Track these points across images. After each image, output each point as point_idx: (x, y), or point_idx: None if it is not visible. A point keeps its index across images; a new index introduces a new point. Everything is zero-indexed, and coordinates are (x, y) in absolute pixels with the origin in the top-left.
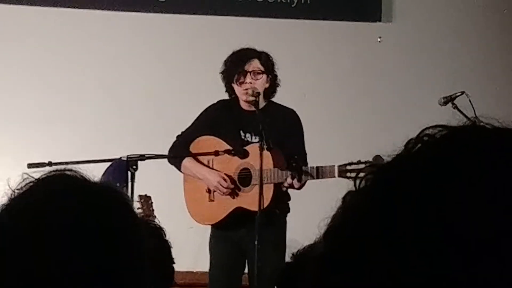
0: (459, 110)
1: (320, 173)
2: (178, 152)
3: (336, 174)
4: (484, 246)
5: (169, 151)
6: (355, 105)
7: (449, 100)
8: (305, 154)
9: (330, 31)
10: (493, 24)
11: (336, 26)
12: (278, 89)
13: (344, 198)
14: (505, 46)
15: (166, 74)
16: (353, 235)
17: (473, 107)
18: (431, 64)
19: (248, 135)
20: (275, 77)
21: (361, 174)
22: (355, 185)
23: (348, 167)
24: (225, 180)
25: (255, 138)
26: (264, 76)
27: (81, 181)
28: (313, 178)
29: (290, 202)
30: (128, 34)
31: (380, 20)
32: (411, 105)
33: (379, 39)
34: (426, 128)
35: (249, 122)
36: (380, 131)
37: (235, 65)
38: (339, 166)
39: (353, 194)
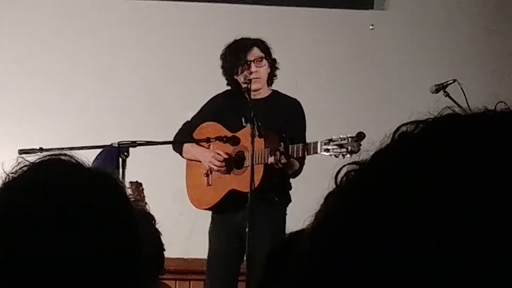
0: (450, 98)
1: (305, 149)
2: (179, 139)
3: (319, 150)
4: (469, 242)
5: (174, 138)
6: (347, 93)
7: (441, 88)
8: (306, 143)
9: (323, 18)
10: (486, 12)
11: (328, 14)
12: None
13: (326, 198)
14: (497, 34)
15: (159, 61)
16: (336, 236)
17: (465, 95)
18: (424, 52)
19: (249, 123)
20: (274, 61)
21: (342, 171)
22: (335, 183)
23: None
24: (218, 156)
25: None
26: (266, 62)
27: (76, 166)
28: (300, 155)
29: (293, 192)
30: (121, 22)
31: (372, 8)
32: (403, 92)
33: (371, 27)
34: (401, 126)
35: (251, 110)
36: (372, 118)
37: (236, 57)
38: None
39: (335, 195)
